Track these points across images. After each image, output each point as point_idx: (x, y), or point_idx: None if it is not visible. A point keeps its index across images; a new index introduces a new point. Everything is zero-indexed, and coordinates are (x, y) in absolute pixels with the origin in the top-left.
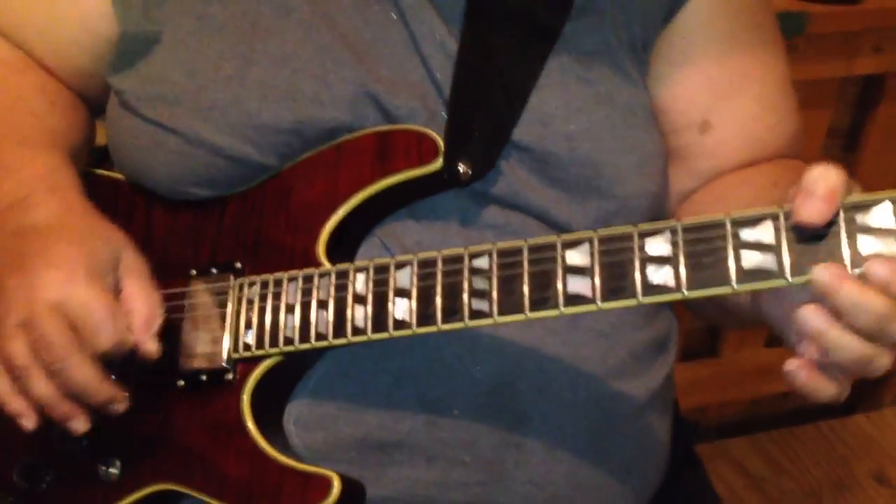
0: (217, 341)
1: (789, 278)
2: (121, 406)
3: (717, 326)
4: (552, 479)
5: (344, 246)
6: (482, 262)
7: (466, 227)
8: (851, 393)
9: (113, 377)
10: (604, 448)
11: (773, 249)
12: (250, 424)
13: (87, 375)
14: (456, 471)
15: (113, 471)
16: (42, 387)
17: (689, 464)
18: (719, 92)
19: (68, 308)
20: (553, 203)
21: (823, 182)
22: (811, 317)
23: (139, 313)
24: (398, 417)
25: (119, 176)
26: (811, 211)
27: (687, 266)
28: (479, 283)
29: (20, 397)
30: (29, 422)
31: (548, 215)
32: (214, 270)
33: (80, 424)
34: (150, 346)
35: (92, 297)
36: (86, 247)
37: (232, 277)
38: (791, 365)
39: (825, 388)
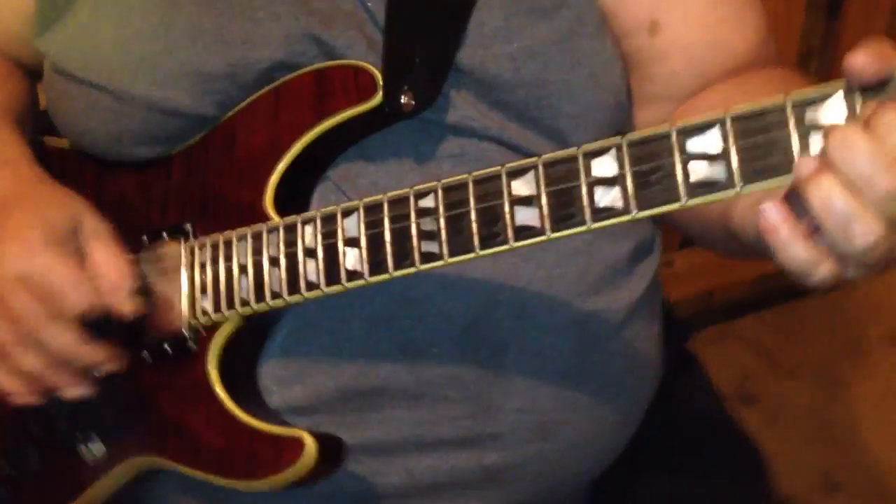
0: (174, 309)
1: (739, 188)
2: (113, 365)
3: None
4: (540, 404)
5: (295, 196)
6: (429, 202)
7: (422, 162)
8: None
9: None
10: (589, 367)
11: (722, 158)
12: (219, 390)
13: (66, 341)
14: (442, 407)
15: (93, 448)
16: (28, 360)
17: (684, 365)
18: None
19: (31, 278)
20: (505, 128)
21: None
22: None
23: (106, 275)
24: (376, 362)
25: (60, 143)
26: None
27: (634, 185)
28: (427, 225)
29: (10, 375)
30: (24, 398)
31: (502, 140)
32: (165, 235)
33: (77, 391)
34: (126, 307)
35: (52, 263)
36: (41, 215)
37: (182, 241)
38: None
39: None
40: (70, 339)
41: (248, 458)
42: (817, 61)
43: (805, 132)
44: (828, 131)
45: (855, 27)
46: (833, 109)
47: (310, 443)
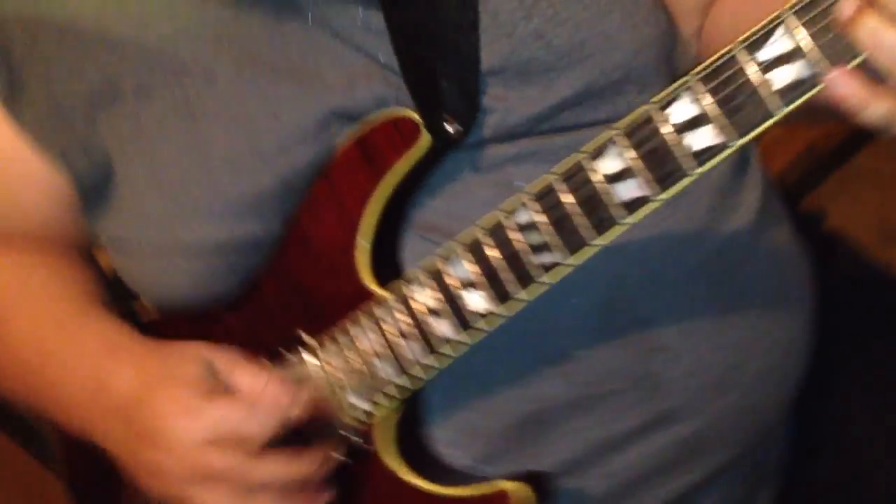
0: (328, 417)
1: (827, 72)
2: (330, 462)
3: None
4: (703, 360)
5: (387, 260)
6: (523, 217)
7: (486, 177)
8: None
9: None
10: (735, 300)
11: (798, 54)
12: (409, 478)
13: (274, 469)
14: (611, 403)
15: None
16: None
17: (827, 251)
18: None
19: (211, 435)
20: (559, 107)
21: None
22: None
23: (264, 394)
24: (530, 387)
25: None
26: None
27: (723, 116)
28: (534, 238)
29: None
30: None
31: (560, 122)
32: (283, 351)
33: (321, 499)
34: (295, 410)
35: (218, 412)
36: (178, 380)
37: (302, 349)
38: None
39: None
40: (276, 466)
41: None
42: None
43: None
44: None
45: None
46: None
47: (513, 488)
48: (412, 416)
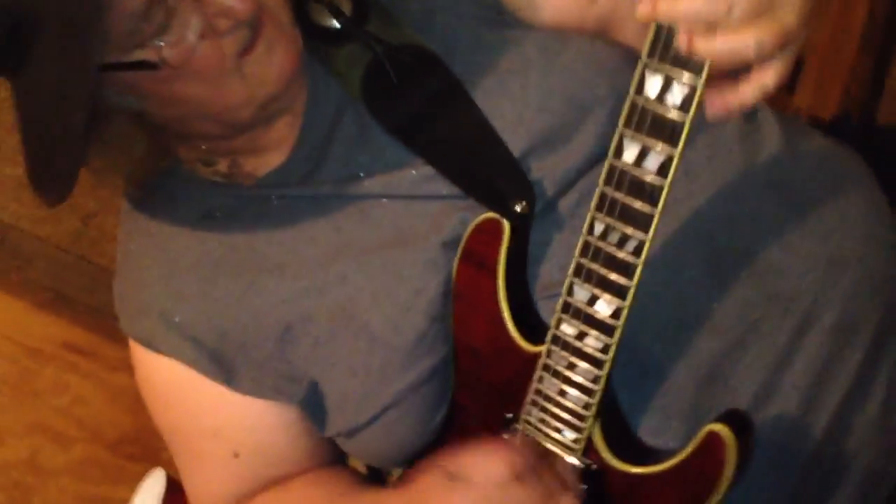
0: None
1: None
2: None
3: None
4: (810, 255)
5: (532, 328)
6: (598, 229)
7: (567, 226)
8: None
9: None
10: (803, 198)
11: None
12: (636, 470)
13: None
14: (762, 329)
15: None
16: None
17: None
18: None
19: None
20: (591, 149)
21: None
22: None
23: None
24: (691, 354)
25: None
26: None
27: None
28: (613, 237)
29: None
30: None
31: (597, 155)
32: (505, 434)
33: None
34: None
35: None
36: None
37: (516, 426)
38: None
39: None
40: None
41: (688, 480)
42: None
43: None
44: None
45: None
46: None
47: (718, 427)
48: (613, 423)
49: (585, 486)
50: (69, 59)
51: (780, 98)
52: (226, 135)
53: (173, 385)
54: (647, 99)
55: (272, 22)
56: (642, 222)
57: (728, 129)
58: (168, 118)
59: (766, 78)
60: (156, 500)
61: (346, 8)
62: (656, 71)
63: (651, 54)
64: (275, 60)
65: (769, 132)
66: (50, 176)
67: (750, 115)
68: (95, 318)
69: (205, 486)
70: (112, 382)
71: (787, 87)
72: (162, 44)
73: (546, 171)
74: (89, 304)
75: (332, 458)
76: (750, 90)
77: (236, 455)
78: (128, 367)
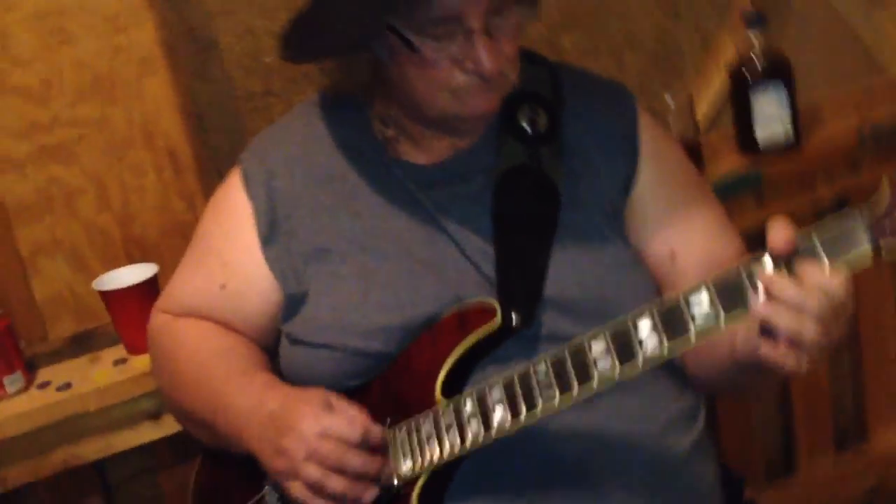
0: (388, 471)
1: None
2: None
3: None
4: None
5: (453, 391)
6: (542, 367)
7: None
8: None
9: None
10: (667, 486)
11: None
12: None
13: (360, 458)
14: None
15: None
16: (338, 483)
17: None
18: (674, 231)
19: (327, 432)
20: (580, 330)
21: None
22: (753, 304)
23: (358, 415)
24: (519, 498)
25: None
26: (783, 237)
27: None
28: (543, 380)
29: (330, 499)
30: None
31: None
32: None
33: (371, 492)
34: (376, 430)
35: (335, 419)
36: (311, 401)
37: (387, 431)
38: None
39: (782, 356)
40: (362, 458)
41: None
42: None
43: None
44: (766, 279)
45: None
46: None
47: None
48: (437, 482)
49: (385, 498)
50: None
51: None
52: (410, 116)
53: (233, 213)
54: None
55: (505, 82)
56: (566, 389)
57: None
58: (391, 80)
59: (790, 360)
60: (140, 277)
61: (542, 125)
62: None
63: None
64: (480, 99)
65: (696, 421)
66: (299, 45)
67: (690, 415)
68: None
69: (182, 284)
70: None
71: None
72: (436, 44)
73: (551, 315)
74: None
75: (267, 349)
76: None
77: (223, 287)
78: None
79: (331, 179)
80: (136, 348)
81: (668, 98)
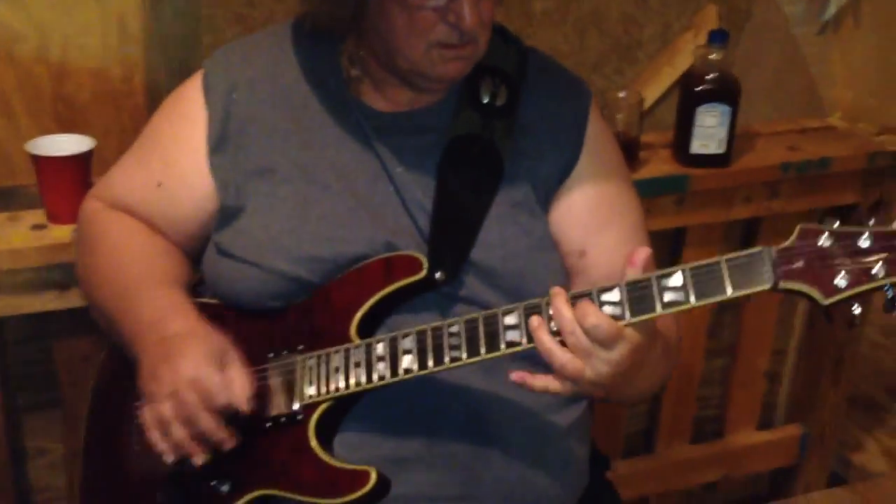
0: (291, 396)
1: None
2: (229, 444)
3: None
4: (509, 477)
5: (366, 331)
6: (455, 328)
7: (442, 317)
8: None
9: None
10: (543, 458)
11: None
12: (314, 443)
13: (209, 423)
14: (447, 475)
15: (225, 487)
16: (180, 432)
17: (605, 488)
18: (590, 231)
19: (198, 381)
20: (495, 299)
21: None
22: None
23: (238, 383)
24: (406, 441)
25: (211, 300)
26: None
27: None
28: (454, 340)
29: (166, 440)
30: (169, 458)
31: (492, 308)
32: (285, 352)
33: (201, 458)
34: (245, 405)
35: (210, 374)
36: (205, 345)
37: (297, 356)
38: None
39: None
40: (212, 423)
41: (332, 483)
42: (729, 314)
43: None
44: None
45: None
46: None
47: (374, 476)
48: (335, 412)
49: (269, 425)
50: None
51: None
52: (379, 61)
53: (186, 116)
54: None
55: (476, 49)
56: (474, 352)
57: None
58: (371, 20)
59: (553, 386)
60: (77, 148)
61: (501, 100)
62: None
63: None
64: (451, 65)
65: (576, 406)
66: None
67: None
68: None
69: (121, 176)
70: None
71: None
72: None
73: (472, 279)
74: None
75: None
76: (542, 383)
77: (159, 184)
78: None
79: (290, 104)
80: (57, 217)
81: (620, 94)
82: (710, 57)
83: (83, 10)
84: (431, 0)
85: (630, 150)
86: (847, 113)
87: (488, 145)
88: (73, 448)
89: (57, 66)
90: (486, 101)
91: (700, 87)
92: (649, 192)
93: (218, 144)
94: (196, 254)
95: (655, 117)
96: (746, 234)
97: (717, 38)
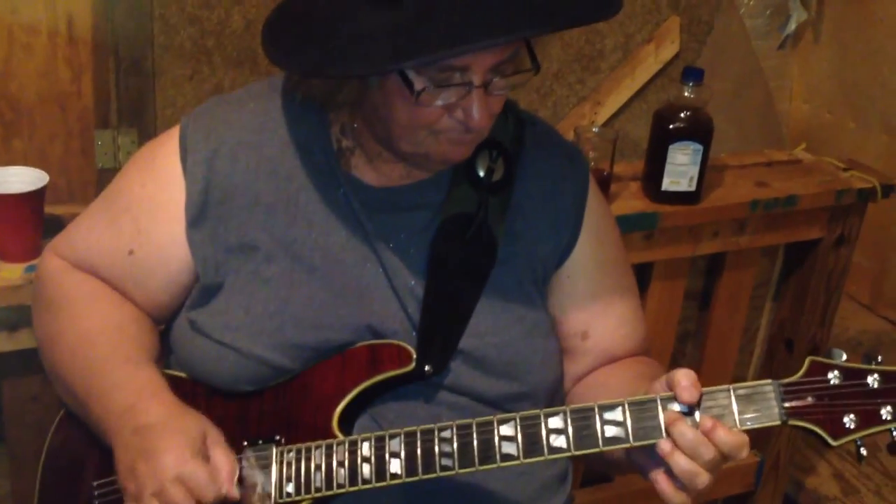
0: (268, 491)
1: (632, 441)
2: None
3: None
4: None
5: (348, 419)
6: (447, 434)
7: (428, 405)
8: None
9: None
10: None
11: (622, 425)
12: None
13: None
14: None
15: None
16: None
17: None
18: (593, 314)
19: (184, 479)
20: (486, 387)
21: (686, 376)
22: (663, 445)
23: (225, 471)
24: None
25: (181, 374)
26: (691, 394)
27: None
28: (446, 447)
29: None
30: None
31: (482, 396)
32: (261, 442)
33: None
34: (234, 493)
35: (196, 469)
36: (185, 434)
37: (274, 447)
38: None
39: (674, 495)
40: None
41: None
42: (692, 343)
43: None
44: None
45: (720, 317)
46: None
47: None
48: None
49: None
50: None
51: None
52: (374, 135)
53: (162, 180)
54: None
55: (481, 136)
56: (466, 462)
57: (552, 467)
58: (372, 103)
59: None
60: (29, 185)
61: (498, 175)
62: None
63: None
64: (455, 149)
65: (560, 494)
66: (291, 53)
67: (562, 474)
68: None
69: (87, 235)
70: None
71: None
72: (433, 88)
73: (463, 368)
74: None
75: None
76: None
77: (130, 252)
78: None
79: (275, 176)
80: (7, 256)
81: (594, 129)
82: (684, 94)
83: (30, 8)
84: (438, 96)
85: (602, 187)
86: (802, 132)
87: (482, 225)
88: (20, 488)
89: (0, 66)
90: (482, 174)
91: (673, 125)
92: (620, 229)
93: (197, 218)
94: (164, 321)
95: (614, 128)
96: (711, 266)
97: (692, 75)
